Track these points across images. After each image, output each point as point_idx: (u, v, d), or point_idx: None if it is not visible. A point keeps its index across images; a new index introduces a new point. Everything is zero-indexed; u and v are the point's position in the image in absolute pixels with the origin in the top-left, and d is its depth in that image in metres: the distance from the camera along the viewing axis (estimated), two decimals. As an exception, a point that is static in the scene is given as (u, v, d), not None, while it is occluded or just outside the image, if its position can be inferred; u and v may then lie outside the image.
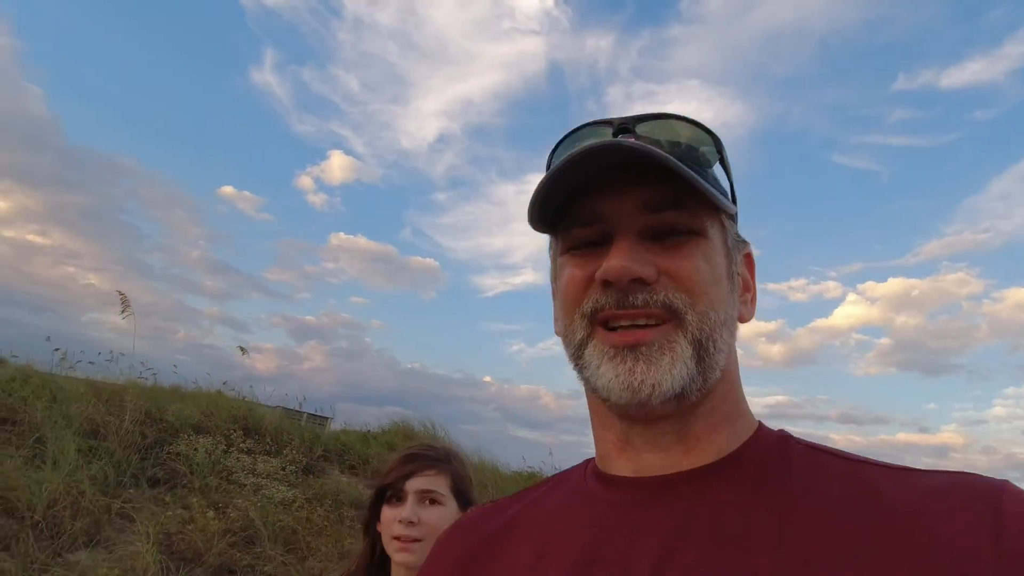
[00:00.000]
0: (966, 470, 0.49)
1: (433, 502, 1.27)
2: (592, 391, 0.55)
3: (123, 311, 5.30)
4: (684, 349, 0.50)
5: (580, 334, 0.54)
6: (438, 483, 1.28)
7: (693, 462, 0.53)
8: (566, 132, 0.60)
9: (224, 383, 7.49)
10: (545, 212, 0.56)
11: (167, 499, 4.99)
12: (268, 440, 6.65)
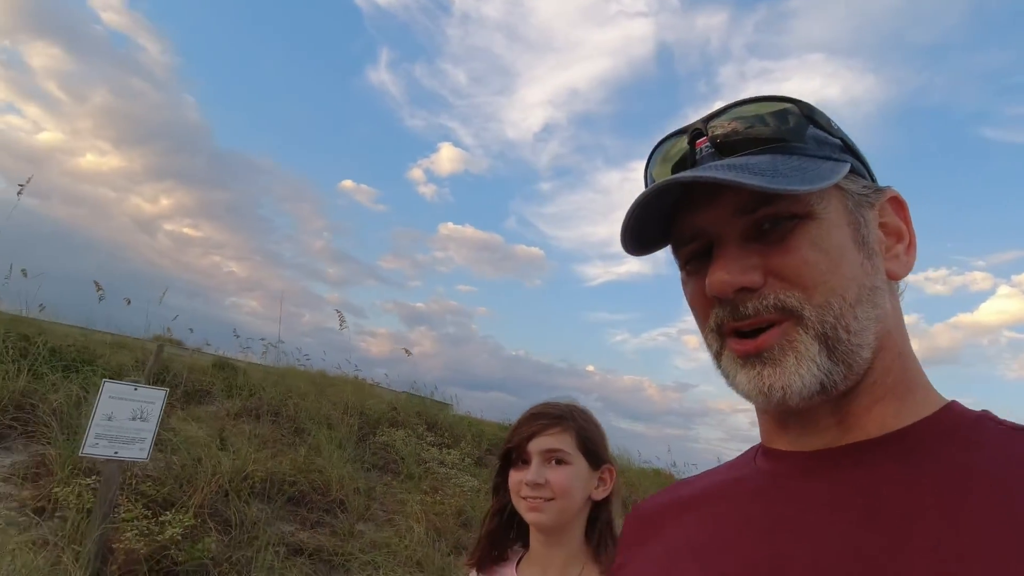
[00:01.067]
0: None
1: (559, 462, 1.22)
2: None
3: (340, 325, 6.34)
4: (809, 347, 0.49)
5: (714, 347, 0.55)
6: (562, 441, 1.23)
7: (853, 438, 0.51)
8: (653, 147, 0.60)
9: (358, 369, 8.50)
10: (642, 240, 0.57)
11: (394, 483, 6.02)
12: (446, 434, 7.66)
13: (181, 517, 3.41)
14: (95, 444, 3.28)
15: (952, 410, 0.52)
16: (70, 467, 3.74)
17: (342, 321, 6.30)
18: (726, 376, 0.54)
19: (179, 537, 3.25)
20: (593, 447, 1.26)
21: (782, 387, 0.49)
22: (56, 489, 3.47)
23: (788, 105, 0.54)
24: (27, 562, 3.04)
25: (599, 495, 1.24)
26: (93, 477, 3.65)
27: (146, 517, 3.38)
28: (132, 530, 3.26)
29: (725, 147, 0.53)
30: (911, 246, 0.57)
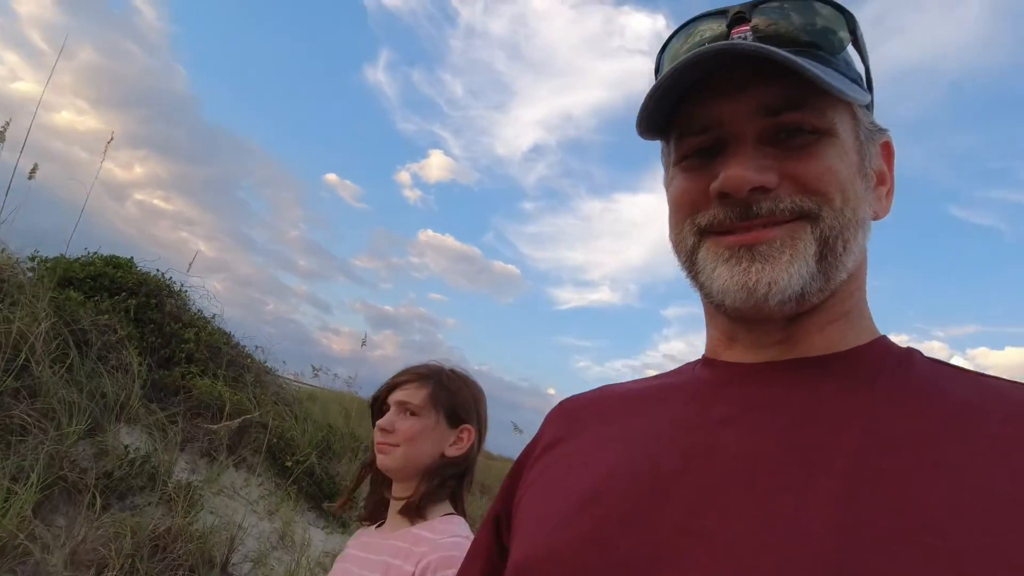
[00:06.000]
0: None
1: (411, 413, 1.31)
2: (706, 296, 0.54)
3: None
4: (808, 246, 0.48)
5: (691, 240, 0.54)
6: (416, 396, 1.32)
7: (798, 354, 0.52)
8: (677, 27, 0.57)
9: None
10: (654, 119, 0.54)
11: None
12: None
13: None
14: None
15: (884, 341, 0.54)
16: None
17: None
18: (701, 271, 0.53)
19: None
20: (452, 406, 1.34)
21: (769, 283, 0.48)
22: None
23: (840, 16, 0.53)
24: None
25: (452, 452, 1.31)
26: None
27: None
28: None
29: (768, 40, 0.50)
30: (890, 192, 0.58)
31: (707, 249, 0.52)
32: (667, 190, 0.59)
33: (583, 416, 0.64)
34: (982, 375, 0.49)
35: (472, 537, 0.94)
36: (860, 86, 0.55)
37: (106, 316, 4.07)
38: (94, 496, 3.10)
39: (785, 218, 0.49)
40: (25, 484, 2.81)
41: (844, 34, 0.53)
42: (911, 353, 0.53)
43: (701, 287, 0.54)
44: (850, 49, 0.55)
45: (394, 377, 1.38)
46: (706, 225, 0.52)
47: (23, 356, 3.23)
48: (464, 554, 0.70)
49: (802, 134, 0.50)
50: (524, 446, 0.68)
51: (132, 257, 4.73)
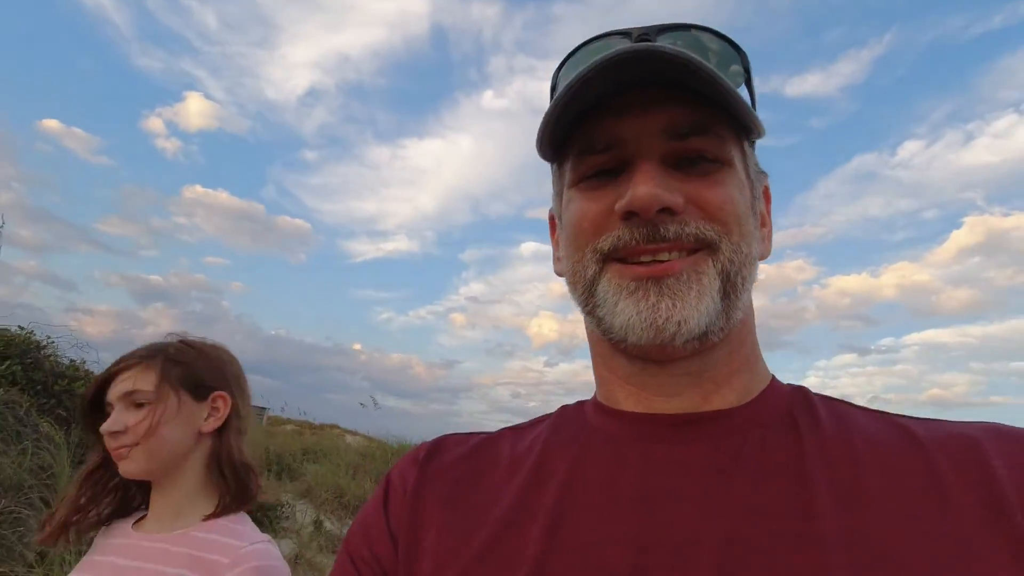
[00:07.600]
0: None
1: (138, 404, 1.06)
2: (604, 332, 0.51)
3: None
4: (712, 282, 0.47)
5: (592, 269, 0.51)
6: (142, 381, 1.07)
7: (713, 406, 0.51)
8: (576, 45, 0.54)
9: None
10: (555, 136, 0.52)
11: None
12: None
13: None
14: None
15: (778, 383, 0.55)
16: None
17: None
18: (601, 304, 0.50)
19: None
20: (193, 378, 1.11)
21: (679, 321, 0.46)
22: None
23: (737, 54, 0.54)
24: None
25: (209, 426, 1.10)
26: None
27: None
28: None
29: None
30: (769, 236, 0.58)
31: (609, 280, 0.49)
32: (562, 215, 0.56)
33: (461, 477, 0.55)
34: (871, 410, 0.52)
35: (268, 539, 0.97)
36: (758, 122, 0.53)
37: (1, 390, 4.05)
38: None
39: (690, 244, 0.48)
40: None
41: (739, 70, 0.54)
42: (803, 392, 0.54)
43: (599, 323, 0.51)
44: (742, 90, 0.55)
45: (107, 369, 1.12)
46: (609, 249, 0.49)
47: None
48: (277, 563, 0.73)
49: (704, 162, 0.49)
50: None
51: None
